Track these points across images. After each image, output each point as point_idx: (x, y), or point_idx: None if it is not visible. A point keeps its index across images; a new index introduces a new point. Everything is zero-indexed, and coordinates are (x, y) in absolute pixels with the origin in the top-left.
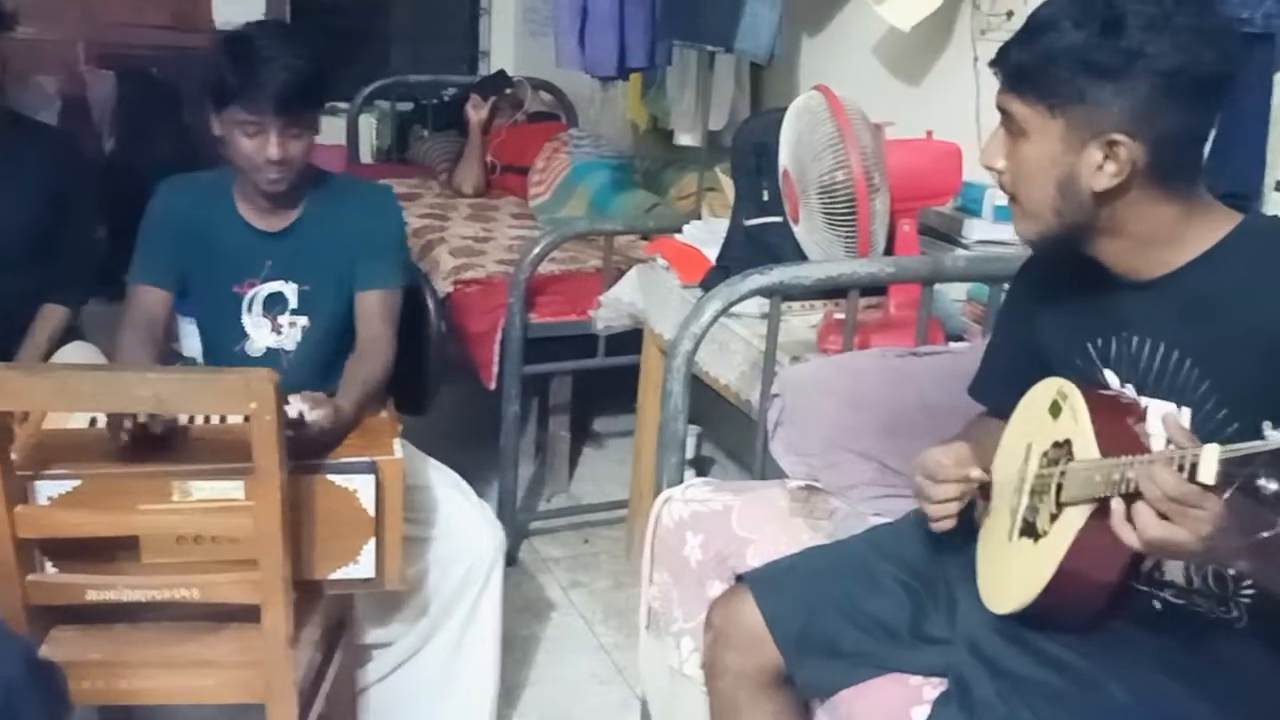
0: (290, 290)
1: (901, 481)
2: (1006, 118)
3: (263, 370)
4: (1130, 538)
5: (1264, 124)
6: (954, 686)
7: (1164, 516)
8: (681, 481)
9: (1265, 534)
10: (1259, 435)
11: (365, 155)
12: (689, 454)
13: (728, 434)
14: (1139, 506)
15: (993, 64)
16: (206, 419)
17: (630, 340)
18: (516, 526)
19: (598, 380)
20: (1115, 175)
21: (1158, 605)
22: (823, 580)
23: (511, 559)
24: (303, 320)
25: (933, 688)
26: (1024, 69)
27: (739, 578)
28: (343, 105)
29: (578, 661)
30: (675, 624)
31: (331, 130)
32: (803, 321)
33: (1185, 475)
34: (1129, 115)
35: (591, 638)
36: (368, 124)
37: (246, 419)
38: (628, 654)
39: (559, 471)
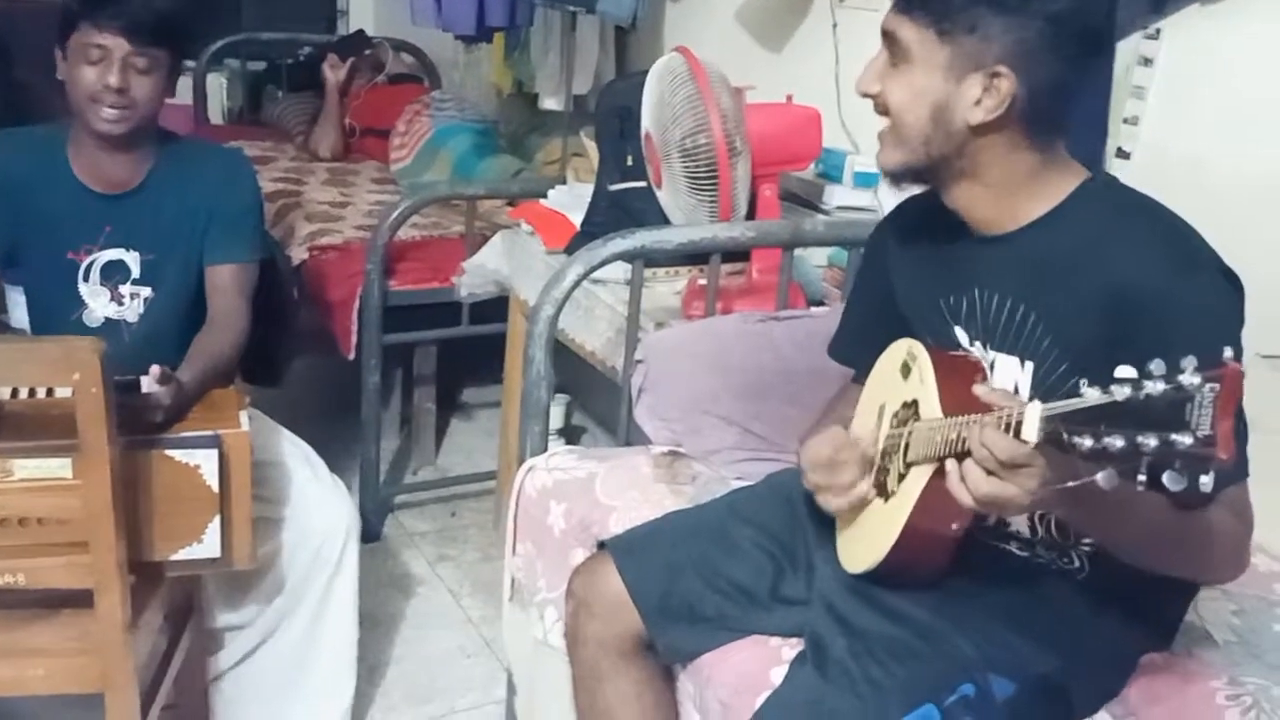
0: (132, 259)
1: (762, 445)
2: (891, 42)
3: (87, 339)
4: (964, 496)
5: (1106, 93)
6: (810, 646)
7: (993, 474)
8: (546, 450)
9: (1075, 482)
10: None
11: (215, 116)
12: (558, 423)
13: (598, 402)
14: (969, 466)
15: None
16: (32, 393)
17: (496, 308)
18: (380, 501)
19: (464, 349)
20: (990, 110)
21: (1004, 558)
22: (683, 545)
23: (375, 534)
24: (146, 291)
25: (791, 648)
26: None
27: (600, 545)
28: (189, 63)
29: (444, 636)
30: (539, 594)
31: (178, 90)
32: (668, 288)
33: (1011, 433)
34: (1014, 52)
35: (459, 611)
36: (217, 83)
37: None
38: (495, 627)
39: (425, 444)
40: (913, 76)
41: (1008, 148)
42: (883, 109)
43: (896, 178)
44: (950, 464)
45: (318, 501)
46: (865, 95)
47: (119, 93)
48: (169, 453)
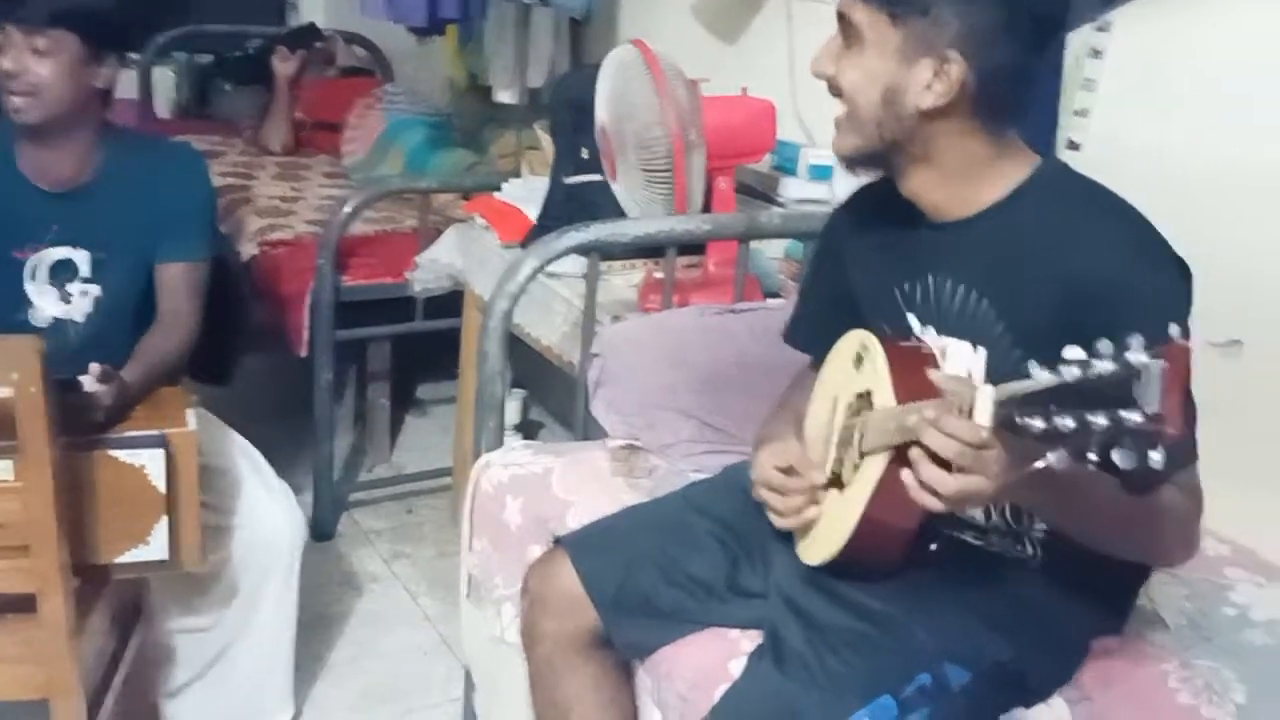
0: (81, 257)
1: (720, 438)
2: (845, 24)
3: (26, 337)
4: (930, 500)
5: (1057, 83)
6: (768, 639)
7: (962, 469)
8: (502, 446)
9: (1036, 466)
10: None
11: (163, 110)
12: (515, 418)
13: (554, 397)
14: (928, 467)
15: None
16: None
17: (450, 303)
18: (334, 499)
19: (419, 345)
20: (941, 95)
21: (958, 547)
22: (639, 539)
23: (329, 533)
24: (95, 290)
25: (750, 640)
26: None
27: (556, 541)
28: (135, 56)
29: (401, 634)
30: (496, 591)
31: (123, 82)
32: (624, 281)
33: (964, 418)
34: (966, 37)
35: (415, 609)
36: (164, 77)
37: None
38: (453, 624)
39: (380, 441)
40: (865, 59)
41: (959, 133)
42: (836, 91)
43: (852, 163)
44: (907, 474)
45: (265, 512)
46: (819, 76)
47: (15, 77)
48: (113, 453)
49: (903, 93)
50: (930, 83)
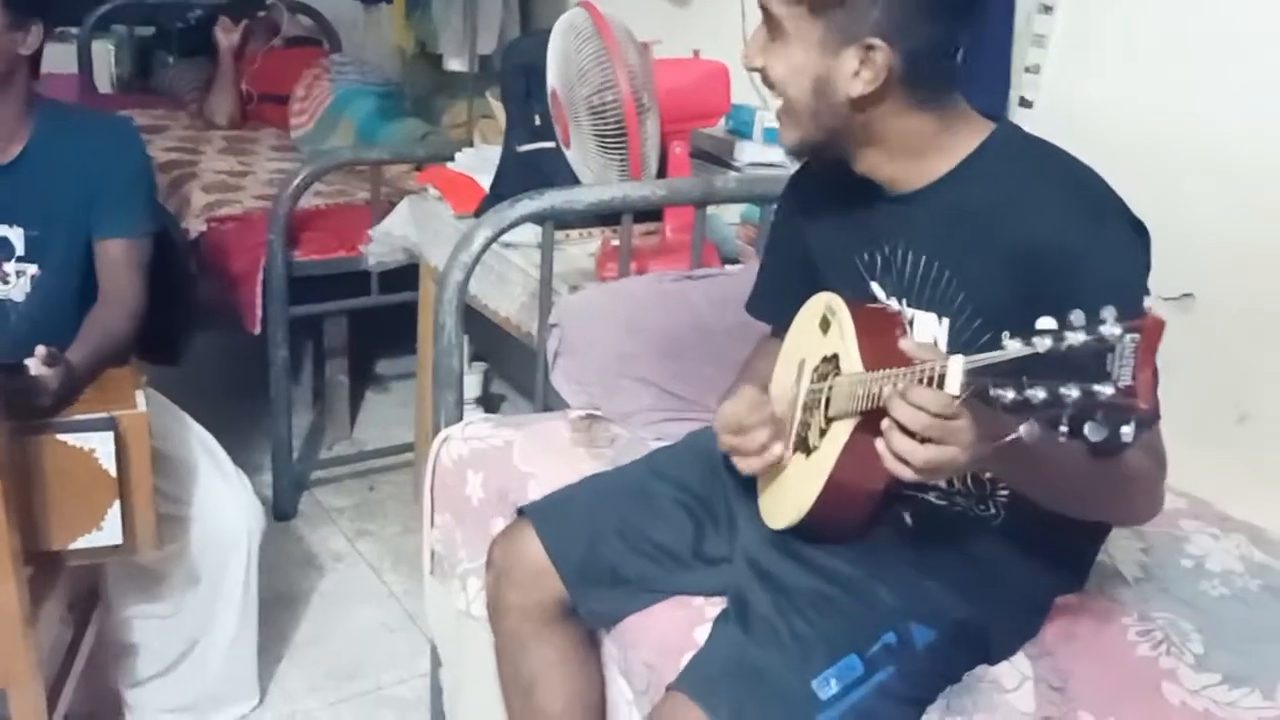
0: (15, 235)
1: (680, 405)
2: (767, 17)
3: None
4: (902, 469)
5: (1007, 44)
6: (733, 603)
7: (929, 440)
8: (461, 419)
9: (1007, 438)
10: (1020, 337)
11: (104, 85)
12: (476, 392)
13: (516, 369)
14: (898, 438)
15: None
16: None
17: (406, 276)
18: (295, 478)
19: (376, 320)
20: (870, 82)
21: (922, 507)
22: (603, 507)
23: (290, 513)
24: (32, 268)
25: (714, 607)
26: None
27: (519, 511)
28: (73, 30)
29: (366, 612)
30: (460, 565)
31: (63, 57)
32: (581, 250)
33: (934, 387)
34: (885, 22)
35: (380, 586)
36: (104, 50)
37: None
38: (419, 600)
39: (339, 417)
40: (790, 52)
41: (901, 113)
42: (769, 83)
43: (800, 154)
44: (880, 445)
45: (222, 501)
46: (750, 69)
47: None
48: (61, 437)
49: (831, 83)
50: (857, 70)
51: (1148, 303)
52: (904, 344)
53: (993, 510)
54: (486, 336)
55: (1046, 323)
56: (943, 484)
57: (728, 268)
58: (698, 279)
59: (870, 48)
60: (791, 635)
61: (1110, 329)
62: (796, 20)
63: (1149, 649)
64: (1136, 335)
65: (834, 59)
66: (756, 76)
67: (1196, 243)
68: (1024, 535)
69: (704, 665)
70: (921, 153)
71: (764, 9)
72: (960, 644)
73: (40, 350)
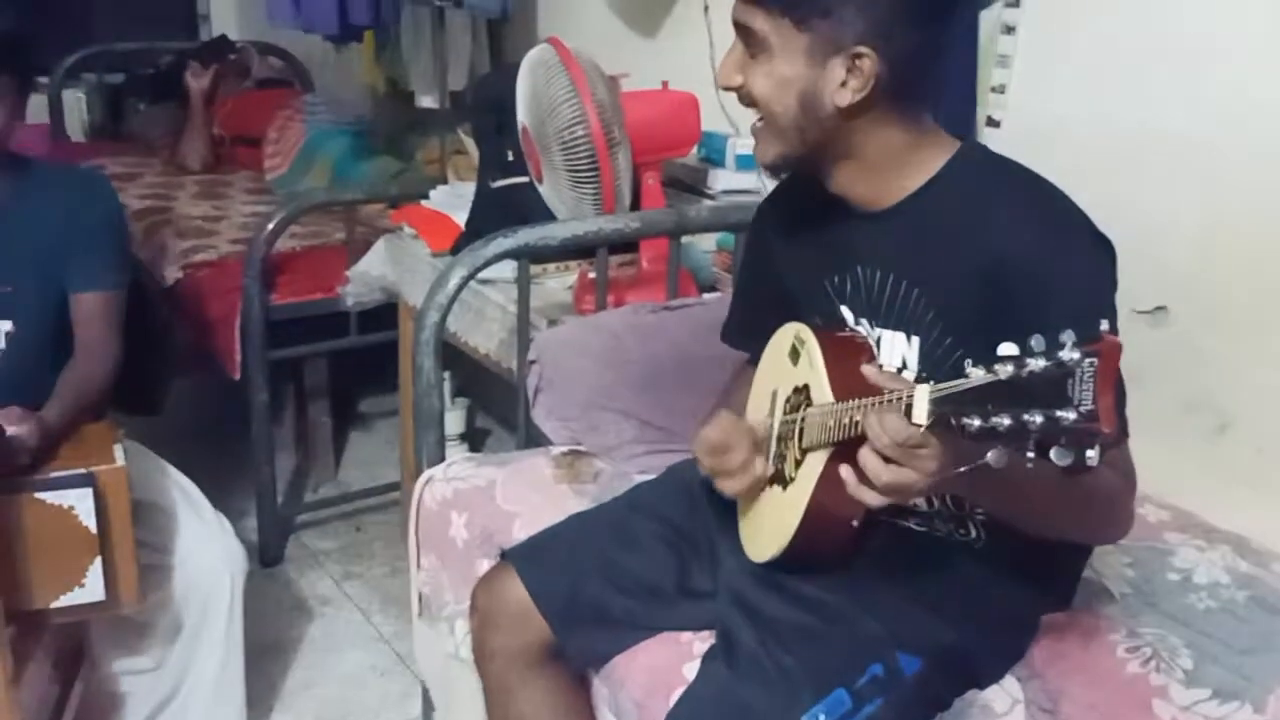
0: None
1: (662, 437)
2: (746, 33)
3: None
4: (867, 495)
5: (973, 62)
6: (720, 639)
7: (892, 461)
8: (443, 459)
9: (972, 465)
10: (983, 365)
11: (75, 133)
12: (460, 428)
13: (500, 404)
14: (867, 456)
15: None
16: None
17: (385, 315)
18: (280, 522)
19: (357, 360)
20: (858, 91)
21: (903, 534)
22: (584, 547)
23: (276, 558)
24: (6, 325)
25: (702, 642)
26: None
27: (502, 555)
28: (43, 79)
29: (356, 655)
30: (447, 608)
31: (34, 107)
32: (559, 283)
33: (901, 416)
34: (871, 31)
35: (369, 629)
36: (74, 99)
37: None
38: (408, 642)
39: (323, 459)
40: (774, 66)
41: (879, 125)
42: (748, 101)
43: (776, 170)
44: (845, 469)
45: (203, 548)
46: (727, 88)
47: None
48: (39, 495)
49: (819, 95)
50: (845, 79)
51: (1115, 319)
52: (868, 372)
53: (973, 534)
54: (469, 372)
55: (1008, 348)
56: (923, 508)
57: (705, 296)
58: (675, 309)
59: (858, 56)
60: (778, 671)
61: (1069, 354)
62: (781, 33)
63: (1139, 666)
64: (1095, 359)
65: (821, 70)
66: (729, 102)
67: (1168, 255)
68: (1006, 556)
69: (693, 704)
70: (895, 169)
71: (743, 26)
72: (948, 670)
73: (12, 411)
